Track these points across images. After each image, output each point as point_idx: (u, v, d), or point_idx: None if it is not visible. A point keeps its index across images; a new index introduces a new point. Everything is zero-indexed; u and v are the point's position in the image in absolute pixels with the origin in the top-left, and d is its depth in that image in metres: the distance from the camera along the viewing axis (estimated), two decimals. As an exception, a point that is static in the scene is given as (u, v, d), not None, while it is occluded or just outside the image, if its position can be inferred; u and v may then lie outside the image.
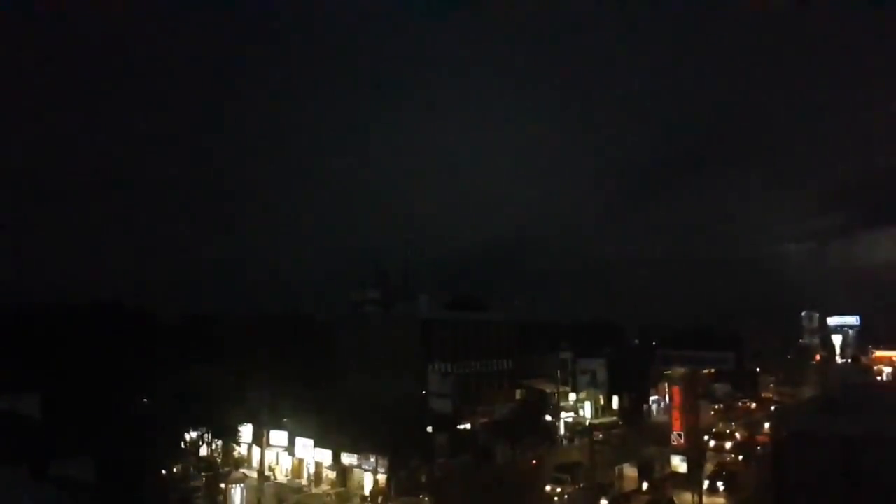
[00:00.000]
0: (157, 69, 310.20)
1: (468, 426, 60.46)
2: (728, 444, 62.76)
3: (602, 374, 79.94)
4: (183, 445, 52.80)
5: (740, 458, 57.75)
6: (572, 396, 77.23)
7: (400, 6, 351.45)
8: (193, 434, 54.48)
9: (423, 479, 48.34)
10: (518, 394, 72.22)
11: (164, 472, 45.43)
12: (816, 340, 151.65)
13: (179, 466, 49.43)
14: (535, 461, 55.94)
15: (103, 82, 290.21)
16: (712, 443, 61.74)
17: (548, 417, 69.21)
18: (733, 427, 70.44)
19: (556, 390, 74.35)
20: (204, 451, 55.58)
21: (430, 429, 54.23)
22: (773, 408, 77.36)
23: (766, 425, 68.43)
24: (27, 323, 58.61)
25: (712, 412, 71.89)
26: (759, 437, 63.82)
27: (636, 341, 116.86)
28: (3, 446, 32.91)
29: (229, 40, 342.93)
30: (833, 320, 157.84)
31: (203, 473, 49.40)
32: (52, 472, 33.03)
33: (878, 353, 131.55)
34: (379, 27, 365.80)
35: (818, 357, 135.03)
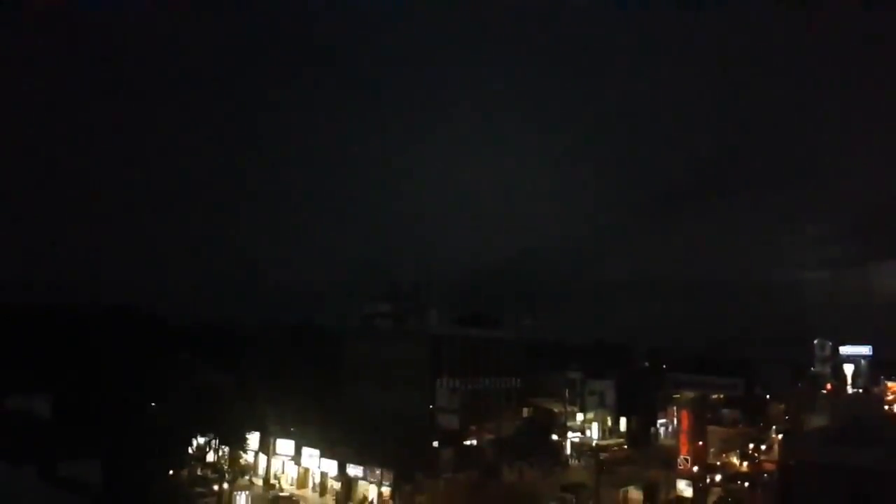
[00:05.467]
0: (173, 75, 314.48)
1: (474, 442, 60.39)
2: (735, 471, 62.20)
3: (610, 396, 79.56)
4: (190, 450, 53.12)
5: (746, 484, 57.24)
6: (580, 417, 76.88)
7: (424, 29, 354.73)
8: (201, 439, 54.78)
9: (428, 493, 48.33)
10: (525, 412, 72.00)
11: (170, 476, 45.72)
12: (828, 369, 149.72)
13: (186, 471, 49.74)
14: (540, 480, 55.77)
15: (116, 84, 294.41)
16: (718, 469, 61.23)
17: (554, 437, 68.92)
18: (740, 453, 69.82)
19: (563, 410, 74.10)
20: (211, 456, 55.80)
21: (435, 443, 54.26)
22: (781, 436, 76.68)
23: (774, 453, 67.90)
24: (41, 325, 59.40)
25: (720, 438, 71.46)
26: (767, 465, 63.23)
27: (646, 363, 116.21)
28: (14, 446, 33.36)
29: (250, 52, 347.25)
30: (845, 349, 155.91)
31: (209, 479, 49.64)
32: (61, 472, 33.40)
33: (891, 384, 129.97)
34: (400, 43, 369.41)
35: (829, 386, 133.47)
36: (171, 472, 45.95)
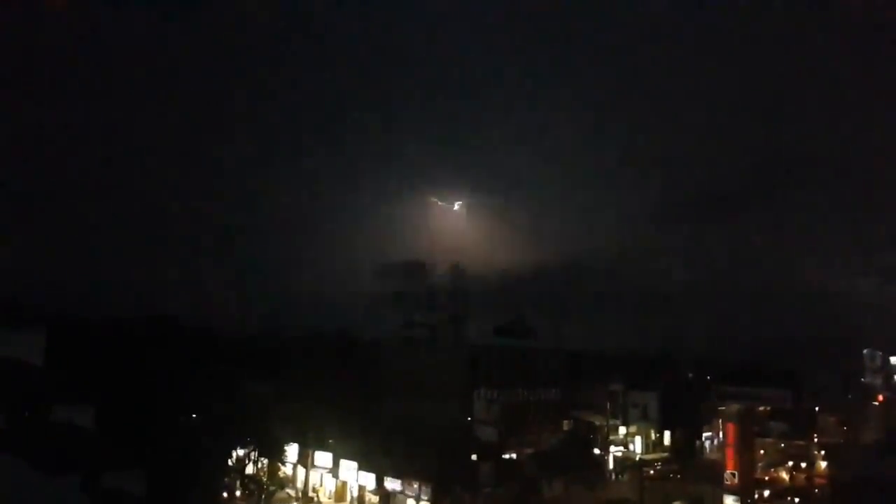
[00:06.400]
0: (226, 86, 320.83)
1: (513, 456, 59.50)
2: (784, 486, 60.30)
3: (654, 408, 77.90)
4: (230, 462, 53.41)
5: (797, 500, 55.30)
6: (622, 430, 75.40)
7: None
8: (241, 451, 55.04)
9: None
10: (566, 425, 70.83)
11: (211, 488, 45.96)
12: (879, 380, 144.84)
13: (226, 483, 49.99)
14: (582, 495, 54.64)
15: (141, 93, 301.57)
16: (767, 484, 59.37)
17: (596, 451, 67.59)
18: (790, 467, 67.69)
19: (605, 423, 72.69)
20: (250, 468, 56.04)
21: (474, 457, 53.55)
22: (831, 450, 74.07)
23: (824, 467, 65.74)
24: (85, 335, 60.46)
25: (768, 451, 69.30)
26: (817, 480, 61.23)
27: (690, 375, 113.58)
28: (57, 457, 33.81)
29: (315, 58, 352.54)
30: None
31: (249, 492, 49.77)
32: (104, 483, 33.72)
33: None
34: (438, 42, 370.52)
35: (881, 398, 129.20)
36: (212, 483, 46.22)
